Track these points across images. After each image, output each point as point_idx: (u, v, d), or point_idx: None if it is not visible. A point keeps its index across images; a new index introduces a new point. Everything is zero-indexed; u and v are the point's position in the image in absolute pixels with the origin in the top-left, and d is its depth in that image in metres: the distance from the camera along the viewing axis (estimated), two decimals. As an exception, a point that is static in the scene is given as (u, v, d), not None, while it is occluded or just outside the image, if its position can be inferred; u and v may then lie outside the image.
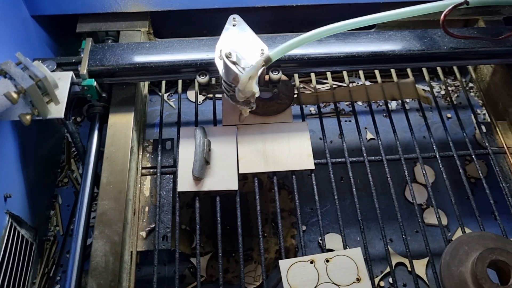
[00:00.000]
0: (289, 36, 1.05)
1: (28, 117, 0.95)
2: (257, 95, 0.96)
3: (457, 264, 0.95)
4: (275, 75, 1.09)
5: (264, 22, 1.52)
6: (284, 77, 1.21)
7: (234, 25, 1.07)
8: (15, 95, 0.91)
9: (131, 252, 1.02)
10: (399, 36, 1.16)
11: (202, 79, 1.09)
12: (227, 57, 0.94)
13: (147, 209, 1.09)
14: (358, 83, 1.50)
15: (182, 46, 1.14)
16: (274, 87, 1.13)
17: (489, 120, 1.28)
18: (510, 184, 1.14)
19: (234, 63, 0.94)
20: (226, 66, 0.95)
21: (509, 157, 1.17)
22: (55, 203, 1.30)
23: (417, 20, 1.29)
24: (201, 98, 1.50)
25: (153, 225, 1.06)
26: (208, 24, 1.50)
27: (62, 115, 0.99)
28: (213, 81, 1.26)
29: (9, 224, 1.06)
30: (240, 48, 1.00)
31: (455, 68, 1.41)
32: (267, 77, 1.10)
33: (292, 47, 0.97)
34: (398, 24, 1.36)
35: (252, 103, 1.01)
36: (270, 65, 0.98)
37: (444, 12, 0.91)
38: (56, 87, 1.00)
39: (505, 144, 1.20)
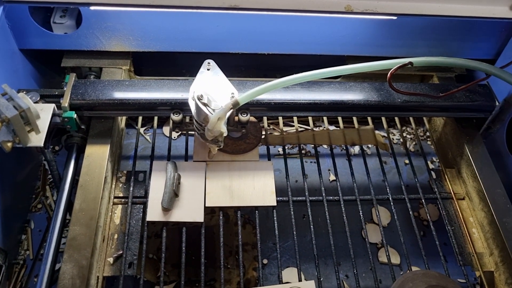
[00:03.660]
0: (259, 82, 1.15)
1: (9, 144, 1.02)
2: (225, 134, 1.05)
3: (401, 300, 1.03)
4: (243, 117, 1.18)
5: (239, 66, 1.63)
6: (253, 119, 1.31)
7: (208, 69, 1.17)
8: (-2, 124, 0.98)
9: (98, 276, 1.07)
10: (359, 87, 1.27)
11: (176, 117, 1.18)
12: (199, 99, 1.03)
13: (116, 236, 1.15)
14: (323, 127, 1.60)
15: (159, 85, 1.23)
16: (242, 127, 1.22)
17: (440, 168, 1.40)
18: (455, 227, 1.24)
19: (205, 104, 1.04)
20: (197, 107, 1.04)
21: (455, 202, 1.28)
22: (27, 227, 1.34)
23: (377, 73, 1.42)
24: (175, 133, 1.58)
25: (121, 252, 1.12)
26: (187, 65, 1.60)
27: (42, 144, 1.06)
28: (187, 119, 1.34)
29: (-19, 245, 1.10)
30: (212, 91, 1.09)
31: (411, 118, 1.53)
32: (236, 118, 1.20)
33: (259, 93, 1.07)
34: (362, 75, 1.48)
35: (220, 142, 1.10)
36: (240, 107, 1.08)
37: (391, 71, 1.03)
38: (38, 117, 1.07)
39: (452, 191, 1.30)
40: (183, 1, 1.10)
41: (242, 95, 1.05)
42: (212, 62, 1.18)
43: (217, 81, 1.14)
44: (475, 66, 1.12)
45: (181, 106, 1.20)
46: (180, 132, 1.58)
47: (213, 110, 1.04)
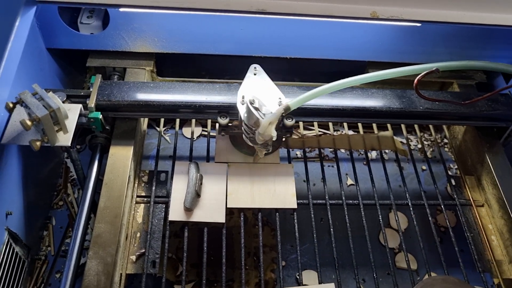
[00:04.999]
0: (304, 88, 1.17)
1: (38, 143, 1.04)
2: (274, 138, 1.06)
3: (421, 305, 1.04)
4: (289, 122, 1.17)
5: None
6: (274, 122, 1.32)
7: (255, 74, 1.19)
8: (29, 123, 0.99)
9: (121, 274, 1.09)
10: (381, 94, 1.28)
11: (223, 120, 1.18)
12: (251, 103, 1.05)
13: (138, 234, 1.17)
14: (342, 131, 1.61)
15: (184, 88, 1.25)
16: (287, 132, 1.20)
17: (459, 174, 1.40)
18: (474, 234, 1.25)
19: (256, 109, 1.05)
20: (249, 111, 1.06)
21: (474, 209, 1.28)
22: (49, 224, 1.36)
23: (397, 79, 1.42)
24: (195, 135, 1.60)
25: (143, 250, 1.14)
26: (207, 67, 1.62)
27: (69, 144, 1.07)
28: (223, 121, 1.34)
29: (7, 240, 1.12)
30: (260, 95, 1.11)
31: (430, 125, 1.53)
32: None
33: (310, 98, 1.09)
34: (381, 81, 1.48)
35: (269, 146, 1.11)
36: (284, 112, 1.09)
37: (417, 77, 1.04)
38: (66, 117, 1.09)
39: (471, 198, 1.31)
40: (212, 4, 1.12)
41: (293, 100, 1.07)
42: (258, 66, 1.20)
43: (263, 86, 1.16)
44: (494, 67, 1.13)
45: (204, 109, 1.21)
46: (200, 134, 1.60)
47: (264, 114, 1.05)
